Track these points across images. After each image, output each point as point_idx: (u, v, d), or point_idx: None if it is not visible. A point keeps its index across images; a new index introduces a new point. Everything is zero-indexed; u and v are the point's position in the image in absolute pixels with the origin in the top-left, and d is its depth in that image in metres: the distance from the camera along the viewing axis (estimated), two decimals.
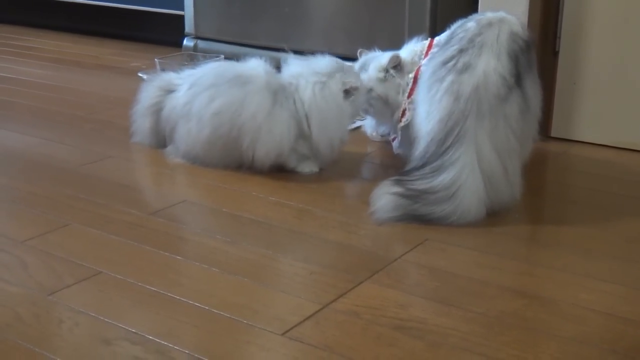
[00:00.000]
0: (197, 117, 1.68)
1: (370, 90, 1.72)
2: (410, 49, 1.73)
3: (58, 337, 1.07)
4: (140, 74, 2.54)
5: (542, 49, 1.94)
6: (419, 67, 1.66)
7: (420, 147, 1.47)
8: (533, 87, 1.48)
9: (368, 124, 1.90)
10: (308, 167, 1.71)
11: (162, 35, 3.06)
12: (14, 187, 1.64)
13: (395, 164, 1.75)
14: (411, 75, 1.68)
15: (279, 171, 1.70)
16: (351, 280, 1.23)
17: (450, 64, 1.45)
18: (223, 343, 1.06)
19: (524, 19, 1.85)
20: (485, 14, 1.51)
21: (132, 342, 1.05)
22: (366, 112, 1.79)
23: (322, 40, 2.41)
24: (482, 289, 1.22)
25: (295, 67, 1.70)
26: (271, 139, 1.63)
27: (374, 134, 1.90)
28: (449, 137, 1.42)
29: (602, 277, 1.26)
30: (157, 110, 1.80)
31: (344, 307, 1.15)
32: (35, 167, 1.76)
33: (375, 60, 1.74)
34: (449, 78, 1.44)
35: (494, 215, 1.45)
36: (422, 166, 1.44)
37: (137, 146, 1.87)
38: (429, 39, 1.72)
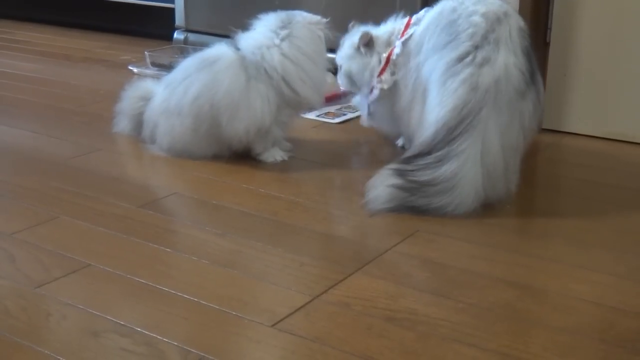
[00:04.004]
0: (177, 110, 1.68)
1: (340, 67, 1.74)
2: (389, 28, 1.71)
3: (46, 330, 1.06)
4: (130, 67, 2.53)
5: (533, 40, 1.94)
6: (393, 48, 1.64)
7: (428, 132, 1.44)
8: (540, 82, 1.48)
9: (355, 99, 1.89)
10: (272, 157, 1.71)
11: (152, 28, 3.04)
12: (2, 180, 1.63)
13: (386, 155, 1.75)
14: (384, 55, 1.66)
15: (268, 165, 1.69)
16: (341, 271, 1.22)
17: (468, 59, 1.43)
18: (212, 335, 1.05)
19: (515, 9, 1.85)
20: (481, 2, 1.49)
21: (121, 335, 1.05)
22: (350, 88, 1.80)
23: None
24: (473, 279, 1.21)
25: (250, 40, 1.69)
26: (251, 115, 1.63)
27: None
28: (460, 125, 1.40)
29: (593, 267, 1.25)
30: (139, 118, 1.81)
31: (334, 298, 1.14)
32: (24, 160, 1.75)
33: (353, 37, 1.74)
34: (468, 70, 1.42)
35: (486, 207, 1.45)
36: (428, 153, 1.42)
37: (126, 139, 1.85)
38: (407, 17, 1.69)
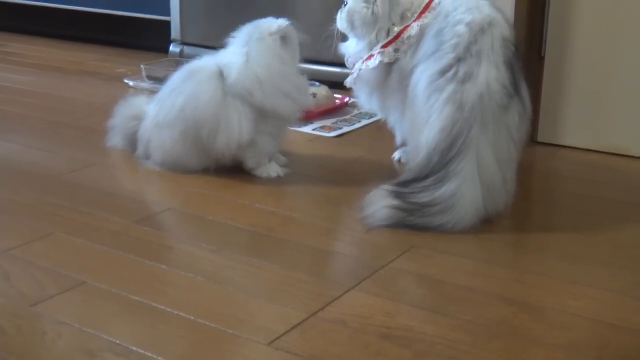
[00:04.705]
0: (166, 123, 1.68)
1: (346, 4, 1.68)
2: None
3: (41, 349, 1.06)
4: (126, 80, 2.52)
5: (528, 53, 1.94)
6: (407, 26, 1.59)
7: (421, 156, 1.44)
8: (526, 91, 1.48)
9: (343, 45, 1.77)
10: (266, 172, 1.70)
11: (148, 41, 3.04)
12: None
13: (383, 169, 1.75)
14: (396, 29, 1.61)
15: (264, 179, 1.69)
16: (338, 288, 1.22)
17: (450, 73, 1.43)
18: (208, 353, 1.05)
19: (510, 21, 1.85)
20: (470, 11, 1.48)
21: (116, 354, 1.04)
22: (338, 24, 1.71)
23: (307, 46, 2.40)
24: (469, 296, 1.21)
25: (223, 57, 1.69)
26: (230, 129, 1.63)
27: (349, 59, 1.76)
28: (453, 146, 1.40)
29: (589, 283, 1.25)
30: (132, 137, 1.81)
31: (330, 315, 1.14)
32: (18, 175, 1.74)
33: None
34: (450, 87, 1.42)
35: (482, 221, 1.44)
36: (425, 177, 1.42)
37: (121, 153, 1.85)
38: None
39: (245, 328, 1.10)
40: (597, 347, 1.07)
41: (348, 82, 1.72)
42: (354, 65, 1.71)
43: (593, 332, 1.11)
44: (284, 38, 1.67)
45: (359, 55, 1.68)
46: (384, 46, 1.62)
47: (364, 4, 1.64)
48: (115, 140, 1.86)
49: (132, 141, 1.81)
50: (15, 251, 1.35)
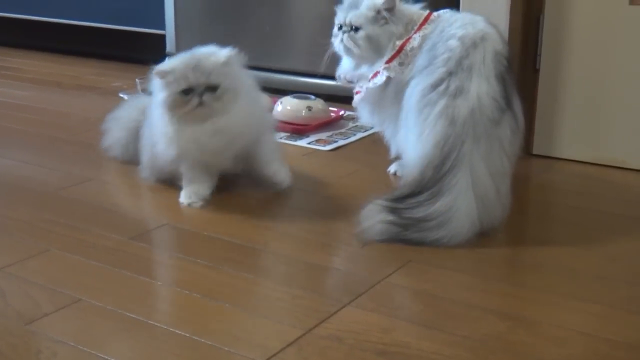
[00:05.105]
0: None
1: (356, 29, 1.65)
2: (408, 12, 1.65)
3: None
4: (121, 94, 2.53)
5: (523, 66, 1.95)
6: (408, 39, 1.60)
7: (415, 172, 1.45)
8: (519, 105, 1.48)
9: (342, 66, 1.77)
10: (187, 197, 1.63)
11: (143, 54, 3.04)
12: None
13: (379, 183, 1.75)
14: (398, 43, 1.61)
15: (260, 193, 1.69)
16: (334, 304, 1.22)
17: (442, 87, 1.43)
18: None
19: (504, 36, 1.86)
20: (465, 26, 1.50)
21: None
22: (348, 51, 1.70)
23: (303, 59, 2.41)
24: (466, 311, 1.21)
25: None
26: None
27: (342, 76, 1.77)
28: (446, 161, 1.41)
29: (586, 297, 1.25)
30: (135, 130, 1.81)
31: (326, 332, 1.14)
32: (14, 191, 1.74)
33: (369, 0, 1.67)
34: (442, 102, 1.43)
35: (478, 235, 1.44)
36: (420, 192, 1.42)
37: (117, 168, 1.85)
38: (427, 11, 1.64)
39: (242, 345, 1.10)
40: None
41: (356, 103, 1.73)
42: (349, 82, 1.72)
43: (590, 347, 1.11)
44: (163, 81, 1.56)
45: (365, 74, 1.68)
46: (388, 61, 1.62)
47: (380, 25, 1.64)
48: (118, 135, 1.86)
49: (134, 135, 1.79)
50: (10, 269, 1.34)
